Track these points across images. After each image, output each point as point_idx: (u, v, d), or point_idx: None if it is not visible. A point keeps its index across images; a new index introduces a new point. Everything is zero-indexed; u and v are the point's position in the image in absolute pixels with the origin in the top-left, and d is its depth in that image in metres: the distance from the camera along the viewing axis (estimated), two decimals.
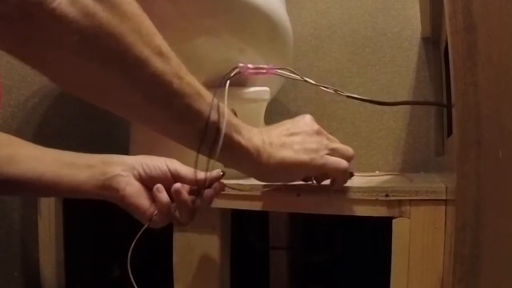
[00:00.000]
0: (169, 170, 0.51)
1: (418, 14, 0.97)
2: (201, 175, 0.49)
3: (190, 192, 0.51)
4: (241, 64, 0.48)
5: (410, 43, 1.06)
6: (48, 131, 0.98)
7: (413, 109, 1.05)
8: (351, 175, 0.54)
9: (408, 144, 1.05)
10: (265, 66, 0.48)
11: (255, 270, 0.96)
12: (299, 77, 0.50)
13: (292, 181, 0.56)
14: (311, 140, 0.49)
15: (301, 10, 1.16)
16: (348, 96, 0.53)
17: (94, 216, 1.00)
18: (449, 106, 0.78)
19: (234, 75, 0.47)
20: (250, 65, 0.48)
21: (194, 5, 0.64)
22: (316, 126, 0.51)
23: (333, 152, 0.51)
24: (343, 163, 0.51)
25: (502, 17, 0.35)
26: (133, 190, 0.51)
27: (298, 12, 1.16)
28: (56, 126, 1.00)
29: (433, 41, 1.02)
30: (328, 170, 0.50)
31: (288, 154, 0.47)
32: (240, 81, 0.75)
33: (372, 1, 1.09)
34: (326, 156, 0.50)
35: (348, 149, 0.53)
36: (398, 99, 1.06)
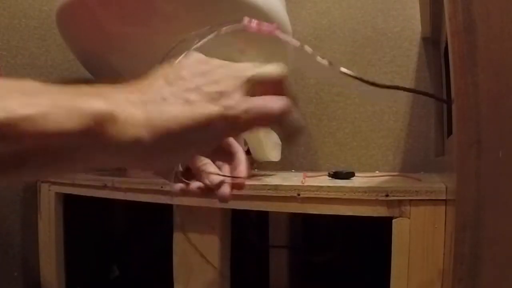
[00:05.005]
0: None
1: (418, 14, 0.97)
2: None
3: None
4: (246, 18, 0.46)
5: (410, 43, 1.06)
6: None
7: (413, 109, 1.05)
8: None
9: (408, 144, 1.05)
10: (268, 24, 0.47)
11: (255, 270, 0.96)
12: (297, 43, 0.48)
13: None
14: (212, 78, 0.30)
15: (301, 10, 1.16)
16: (341, 72, 0.50)
17: (94, 216, 1.00)
18: (447, 101, 0.78)
19: (237, 28, 0.45)
20: (254, 20, 0.46)
21: (194, 6, 0.64)
22: (213, 62, 0.32)
23: (251, 87, 0.31)
24: (276, 102, 0.31)
25: (502, 17, 0.35)
26: None
27: (298, 12, 1.16)
28: None
29: (433, 41, 1.02)
30: (258, 119, 0.30)
31: (179, 109, 0.28)
32: None
33: (372, 1, 1.09)
34: (245, 98, 0.30)
35: (270, 71, 0.33)
36: (398, 99, 1.06)
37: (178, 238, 0.70)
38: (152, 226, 0.99)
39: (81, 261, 0.95)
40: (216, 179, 0.39)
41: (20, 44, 1.02)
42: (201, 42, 0.41)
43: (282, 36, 0.46)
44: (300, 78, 1.14)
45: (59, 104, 0.25)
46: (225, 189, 0.39)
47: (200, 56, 0.33)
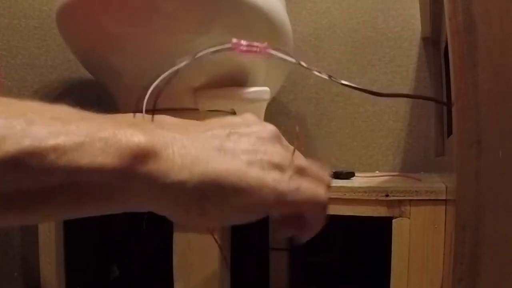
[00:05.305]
0: None
1: (418, 14, 0.97)
2: None
3: None
4: (234, 40, 0.45)
5: (410, 43, 1.06)
6: None
7: (413, 109, 1.05)
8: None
9: (408, 144, 1.05)
10: (258, 44, 0.46)
11: (255, 271, 0.96)
12: (292, 59, 0.47)
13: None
14: (271, 149, 0.28)
15: (301, 10, 1.16)
16: (342, 84, 0.50)
17: (94, 216, 1.00)
18: (448, 103, 0.78)
19: (225, 50, 0.44)
20: (243, 42, 0.46)
21: (194, 6, 0.64)
22: (273, 128, 0.30)
23: (302, 173, 0.30)
24: (321, 192, 0.30)
25: (502, 17, 0.35)
26: None
27: (298, 12, 1.16)
28: None
29: (433, 41, 1.02)
30: (301, 202, 0.29)
31: (232, 164, 0.26)
32: (240, 81, 0.75)
33: (372, 1, 1.10)
34: (296, 179, 0.29)
35: (322, 171, 0.32)
36: (398, 99, 1.06)
37: (178, 238, 0.70)
38: (152, 226, 0.99)
39: (81, 261, 0.95)
40: None
41: (20, 44, 1.02)
42: (185, 63, 0.41)
43: (276, 53, 0.45)
44: (300, 78, 1.14)
45: (95, 135, 0.22)
46: None
47: (262, 122, 0.31)
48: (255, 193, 0.26)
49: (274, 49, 0.43)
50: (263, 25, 0.71)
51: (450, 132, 0.62)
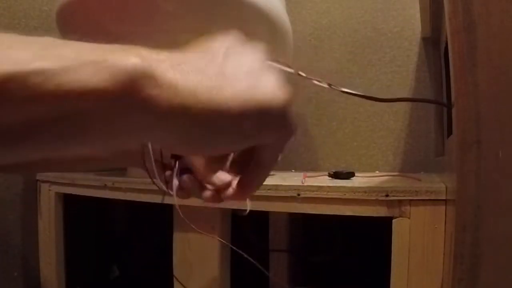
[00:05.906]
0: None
1: (418, 14, 0.97)
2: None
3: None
4: None
5: (410, 43, 1.06)
6: None
7: (413, 109, 1.05)
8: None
9: (408, 144, 1.05)
10: None
11: (255, 271, 0.96)
12: (291, 70, 0.47)
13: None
14: (264, 64, 0.28)
15: (301, 10, 1.16)
16: (342, 91, 0.50)
17: (94, 216, 1.00)
18: (448, 104, 0.78)
19: None
20: None
21: (195, 5, 0.64)
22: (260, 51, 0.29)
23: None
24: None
25: (502, 17, 0.35)
26: None
27: (298, 12, 1.16)
28: None
29: (433, 41, 1.02)
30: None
31: (241, 85, 0.24)
32: None
33: (372, 1, 1.10)
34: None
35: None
36: None
37: (178, 238, 0.70)
38: (152, 226, 0.99)
39: (81, 261, 0.95)
40: (225, 178, 0.38)
41: None
42: None
43: (274, 65, 0.44)
44: (300, 78, 1.14)
45: (85, 57, 0.19)
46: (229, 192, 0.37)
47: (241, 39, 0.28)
48: (266, 113, 0.25)
49: (272, 60, 0.43)
50: (263, 25, 0.71)
51: (450, 132, 0.63)
